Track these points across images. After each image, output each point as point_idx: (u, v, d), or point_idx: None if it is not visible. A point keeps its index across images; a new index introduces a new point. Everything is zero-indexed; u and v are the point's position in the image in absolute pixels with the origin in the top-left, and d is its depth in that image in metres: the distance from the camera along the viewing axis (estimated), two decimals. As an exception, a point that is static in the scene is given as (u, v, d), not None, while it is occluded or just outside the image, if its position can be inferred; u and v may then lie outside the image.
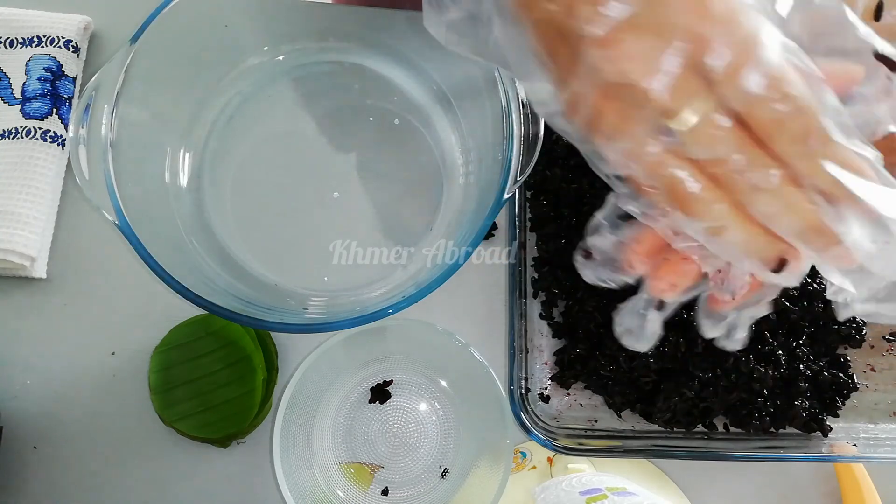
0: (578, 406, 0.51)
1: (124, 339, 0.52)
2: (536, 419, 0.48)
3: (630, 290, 0.32)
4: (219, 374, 0.49)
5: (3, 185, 0.51)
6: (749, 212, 0.26)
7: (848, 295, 0.28)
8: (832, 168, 0.24)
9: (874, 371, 0.52)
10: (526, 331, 0.49)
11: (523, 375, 0.49)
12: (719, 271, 0.30)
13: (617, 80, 0.25)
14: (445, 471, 0.51)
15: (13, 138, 0.52)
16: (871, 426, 0.51)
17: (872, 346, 0.53)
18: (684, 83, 0.24)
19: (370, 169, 0.51)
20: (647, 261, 0.31)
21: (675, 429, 0.50)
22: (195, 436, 0.49)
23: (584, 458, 0.49)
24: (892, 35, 0.28)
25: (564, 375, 0.51)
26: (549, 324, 0.52)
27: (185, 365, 0.49)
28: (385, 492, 0.50)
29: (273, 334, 0.52)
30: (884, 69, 0.26)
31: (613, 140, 0.26)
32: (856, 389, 0.50)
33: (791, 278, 0.27)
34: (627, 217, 0.30)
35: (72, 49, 0.55)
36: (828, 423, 0.49)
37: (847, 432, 0.50)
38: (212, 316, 0.44)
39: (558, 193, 0.52)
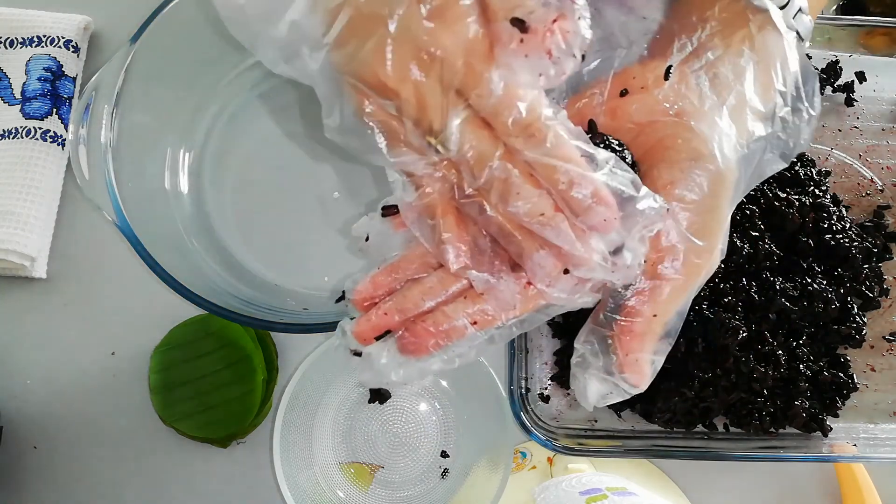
0: (578, 406, 0.51)
1: (124, 339, 0.52)
2: (536, 419, 0.48)
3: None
4: (219, 374, 0.49)
5: (3, 185, 0.51)
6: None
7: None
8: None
9: (874, 371, 0.52)
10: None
11: (523, 375, 0.48)
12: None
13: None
14: (445, 471, 0.51)
15: (13, 138, 0.52)
16: (871, 426, 0.51)
17: (872, 346, 0.53)
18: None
19: (370, 169, 0.51)
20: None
21: (675, 429, 0.50)
22: (195, 436, 0.49)
23: (585, 458, 0.49)
24: None
25: (564, 375, 0.51)
26: (549, 324, 0.52)
27: (185, 365, 0.49)
28: None
29: (273, 334, 0.52)
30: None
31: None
32: (856, 389, 0.50)
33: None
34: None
35: (72, 49, 0.55)
36: (828, 423, 0.49)
37: (847, 432, 0.50)
38: (212, 316, 0.44)
39: (558, 193, 0.52)
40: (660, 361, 0.33)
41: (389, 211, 0.32)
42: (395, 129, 0.29)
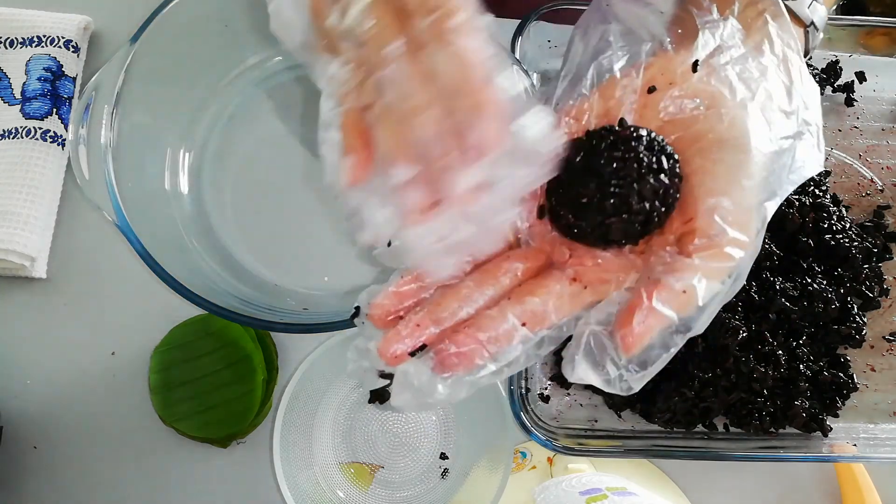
0: (578, 406, 0.51)
1: (124, 339, 0.52)
2: (536, 419, 0.48)
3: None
4: (219, 374, 0.49)
5: (3, 185, 0.51)
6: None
7: None
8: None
9: (874, 371, 0.52)
10: (526, 331, 0.49)
11: (523, 375, 0.48)
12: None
13: None
14: (445, 471, 0.51)
15: (13, 138, 0.52)
16: (871, 426, 0.51)
17: (872, 346, 0.53)
18: None
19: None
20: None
21: (675, 429, 0.50)
22: (195, 436, 0.49)
23: (585, 458, 0.49)
24: None
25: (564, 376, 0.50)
26: (549, 324, 0.52)
27: (185, 365, 0.49)
28: None
29: (273, 334, 0.52)
30: None
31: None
32: (856, 389, 0.50)
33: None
34: None
35: (72, 49, 0.55)
36: (828, 423, 0.49)
37: (847, 432, 0.50)
38: (212, 316, 0.44)
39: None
40: (663, 357, 0.29)
41: None
42: (322, 14, 0.28)
